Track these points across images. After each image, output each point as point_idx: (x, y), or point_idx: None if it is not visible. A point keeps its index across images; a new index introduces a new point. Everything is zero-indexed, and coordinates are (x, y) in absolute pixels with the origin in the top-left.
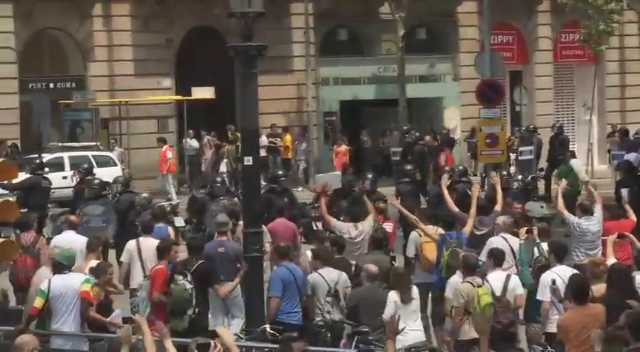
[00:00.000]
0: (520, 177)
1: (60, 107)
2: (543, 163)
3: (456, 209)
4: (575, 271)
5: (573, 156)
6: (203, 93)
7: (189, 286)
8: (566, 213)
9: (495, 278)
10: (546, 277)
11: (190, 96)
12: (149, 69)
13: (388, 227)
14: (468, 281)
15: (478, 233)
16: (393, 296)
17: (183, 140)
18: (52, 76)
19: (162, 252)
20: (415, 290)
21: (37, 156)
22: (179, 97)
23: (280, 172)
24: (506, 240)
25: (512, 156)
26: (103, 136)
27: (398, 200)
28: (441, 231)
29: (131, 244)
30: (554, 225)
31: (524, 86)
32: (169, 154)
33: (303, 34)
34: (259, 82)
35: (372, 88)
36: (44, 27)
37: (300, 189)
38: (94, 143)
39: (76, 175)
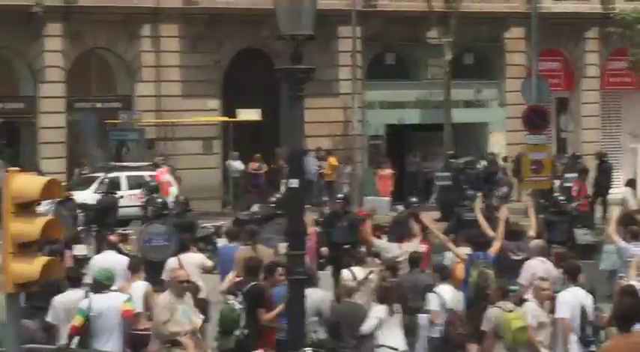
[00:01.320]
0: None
1: (106, 127)
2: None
3: (491, 233)
4: (586, 293)
5: (631, 184)
6: (249, 114)
7: (238, 306)
8: (616, 237)
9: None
10: (564, 294)
11: (236, 117)
12: (196, 90)
13: (422, 248)
14: (498, 306)
15: (516, 258)
16: (377, 310)
17: (227, 162)
18: (99, 96)
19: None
20: (398, 306)
21: (100, 175)
22: (225, 119)
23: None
24: (543, 262)
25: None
26: (149, 157)
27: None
28: (468, 250)
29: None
30: (597, 253)
31: (570, 113)
32: (165, 177)
33: (350, 58)
34: (306, 104)
35: (418, 112)
36: (93, 46)
37: None
38: (149, 162)
39: (144, 194)
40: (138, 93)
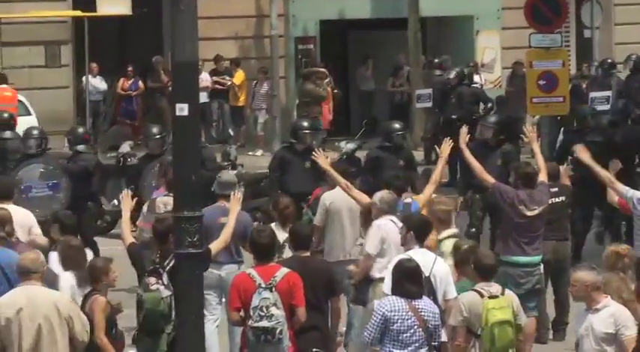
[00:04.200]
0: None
1: None
2: None
3: (489, 178)
4: None
5: None
6: (114, 7)
7: (166, 293)
8: (620, 185)
9: None
10: None
11: (95, 11)
12: None
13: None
14: (476, 290)
15: (529, 213)
16: None
17: (84, 78)
18: None
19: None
20: None
21: None
22: (78, 13)
23: (397, 125)
24: None
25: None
26: None
27: None
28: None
29: None
30: None
31: (598, 0)
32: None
33: None
34: None
35: (368, 1)
36: None
37: (258, 152)
38: None
39: None
40: None
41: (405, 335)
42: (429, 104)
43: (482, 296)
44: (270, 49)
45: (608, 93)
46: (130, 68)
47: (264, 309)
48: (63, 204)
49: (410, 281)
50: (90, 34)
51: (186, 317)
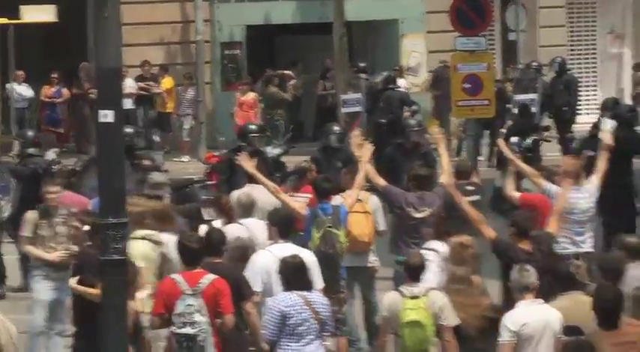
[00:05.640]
0: (515, 139)
1: None
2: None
3: (379, 180)
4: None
5: (614, 104)
6: (39, 14)
7: None
8: (543, 181)
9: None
10: None
11: (20, 18)
12: None
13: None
14: (399, 290)
15: (417, 215)
16: None
17: (8, 85)
18: None
19: None
20: None
21: None
22: (3, 21)
23: (336, 127)
24: None
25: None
26: None
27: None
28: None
29: None
30: None
31: (522, 3)
32: None
33: None
34: None
35: (293, 5)
36: None
37: (184, 159)
38: None
39: None
40: None
41: (300, 328)
42: (357, 108)
43: (403, 296)
44: (195, 54)
45: (534, 95)
46: (53, 75)
47: (188, 316)
48: (12, 207)
49: (299, 275)
50: (15, 41)
51: (110, 323)
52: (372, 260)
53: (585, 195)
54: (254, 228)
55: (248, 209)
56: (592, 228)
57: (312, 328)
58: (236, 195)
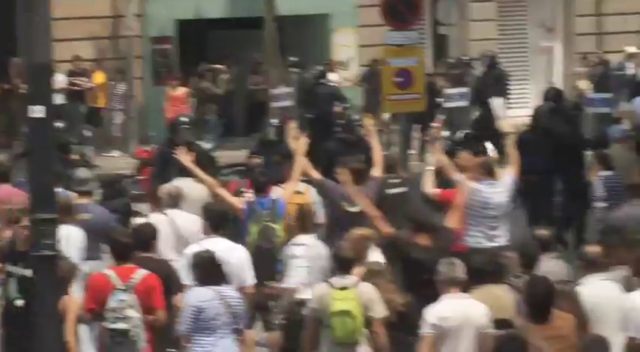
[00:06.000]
0: (447, 133)
1: None
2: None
3: (314, 173)
4: None
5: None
6: None
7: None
8: (457, 174)
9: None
10: None
11: None
12: None
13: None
14: (329, 281)
15: (350, 209)
16: None
17: None
18: None
19: None
20: None
21: None
22: None
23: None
24: None
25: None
26: None
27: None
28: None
29: None
30: None
31: None
32: None
33: None
34: None
35: (224, 0)
36: None
37: (115, 154)
38: None
39: None
40: None
41: (214, 322)
42: (287, 103)
43: (332, 287)
44: (126, 49)
45: (465, 89)
46: None
47: (120, 311)
48: None
49: (212, 269)
50: None
51: (42, 318)
52: None
53: (500, 189)
54: (177, 218)
55: (175, 200)
56: (506, 222)
57: (225, 322)
58: (166, 187)
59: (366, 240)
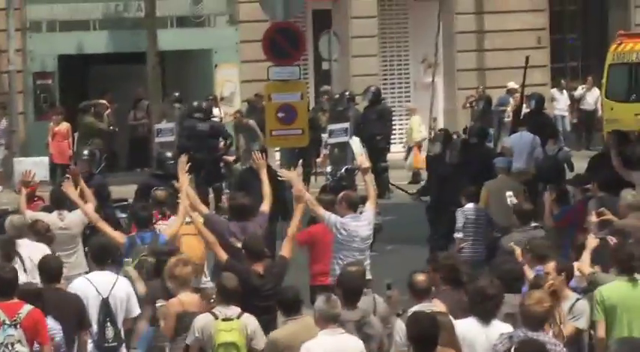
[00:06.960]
0: (329, 168)
1: None
2: None
3: (202, 208)
4: None
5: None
6: None
7: None
8: (321, 210)
9: None
10: None
11: None
12: None
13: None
14: (212, 313)
15: (238, 245)
16: None
17: None
18: None
19: None
20: None
21: None
22: None
23: (169, 153)
24: None
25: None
26: None
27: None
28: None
29: None
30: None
31: (335, 33)
32: None
33: None
34: None
35: (106, 35)
36: None
37: None
38: None
39: None
40: None
41: None
42: (170, 138)
43: (216, 317)
44: (8, 84)
45: (346, 124)
46: None
47: (10, 346)
48: None
49: None
50: None
51: None
52: (205, 281)
53: (364, 222)
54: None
55: (19, 231)
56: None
57: None
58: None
59: (185, 265)
